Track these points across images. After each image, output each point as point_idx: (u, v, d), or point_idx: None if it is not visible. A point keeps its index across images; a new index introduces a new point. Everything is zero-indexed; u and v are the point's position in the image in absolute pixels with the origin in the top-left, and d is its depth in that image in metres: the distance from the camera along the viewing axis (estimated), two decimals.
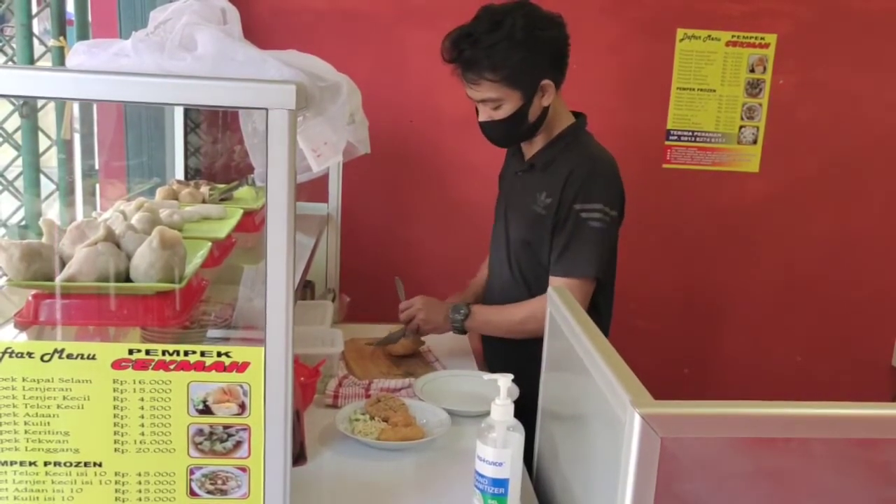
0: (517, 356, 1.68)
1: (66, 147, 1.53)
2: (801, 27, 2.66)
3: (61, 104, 1.47)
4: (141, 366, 0.87)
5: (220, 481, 0.90)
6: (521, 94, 1.66)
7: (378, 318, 1.89)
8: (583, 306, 1.26)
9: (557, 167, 1.73)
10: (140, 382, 0.87)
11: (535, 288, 1.78)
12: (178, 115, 2.25)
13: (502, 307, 1.83)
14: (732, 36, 2.66)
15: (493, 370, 1.69)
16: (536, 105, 1.69)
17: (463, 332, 1.82)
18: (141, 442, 0.89)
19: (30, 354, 0.86)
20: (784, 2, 2.65)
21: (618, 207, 1.74)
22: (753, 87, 2.70)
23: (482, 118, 1.73)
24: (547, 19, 1.66)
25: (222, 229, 1.35)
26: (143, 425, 0.88)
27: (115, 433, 0.88)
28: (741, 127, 2.73)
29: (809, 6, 2.66)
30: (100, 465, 0.89)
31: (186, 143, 2.28)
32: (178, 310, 1.01)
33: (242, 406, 0.88)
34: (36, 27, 1.45)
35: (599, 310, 1.77)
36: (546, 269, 1.75)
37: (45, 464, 0.89)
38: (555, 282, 1.70)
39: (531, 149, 1.81)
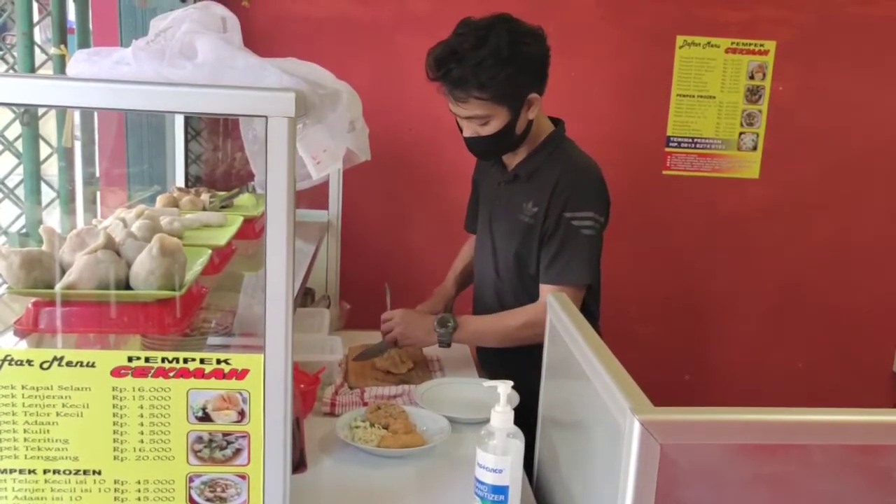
0: (513, 362, 1.68)
1: (66, 155, 1.53)
2: (800, 34, 2.67)
3: (62, 112, 1.47)
4: (140, 373, 0.87)
5: (219, 489, 0.90)
6: (508, 109, 1.64)
7: (378, 325, 1.89)
8: None
9: (542, 176, 1.73)
10: (139, 390, 0.87)
11: (523, 296, 1.77)
12: (179, 122, 2.26)
13: (493, 316, 1.80)
14: (732, 43, 2.67)
15: (489, 377, 1.69)
16: (523, 119, 1.68)
17: (448, 345, 1.76)
18: (140, 449, 0.89)
19: (29, 362, 0.86)
20: (783, 9, 2.66)
21: (605, 214, 1.74)
22: (753, 94, 2.70)
23: (467, 134, 1.70)
24: (530, 34, 1.64)
25: (222, 237, 1.35)
26: (142, 433, 0.88)
27: (114, 441, 0.88)
28: (741, 133, 2.73)
29: (808, 13, 2.66)
30: (99, 472, 0.89)
31: (187, 150, 2.28)
32: (178, 317, 1.01)
33: (242, 413, 0.88)
34: (37, 36, 1.46)
35: (592, 314, 1.76)
36: (533, 277, 1.75)
37: (45, 472, 0.89)
38: (546, 289, 1.69)
39: (514, 159, 1.80)
